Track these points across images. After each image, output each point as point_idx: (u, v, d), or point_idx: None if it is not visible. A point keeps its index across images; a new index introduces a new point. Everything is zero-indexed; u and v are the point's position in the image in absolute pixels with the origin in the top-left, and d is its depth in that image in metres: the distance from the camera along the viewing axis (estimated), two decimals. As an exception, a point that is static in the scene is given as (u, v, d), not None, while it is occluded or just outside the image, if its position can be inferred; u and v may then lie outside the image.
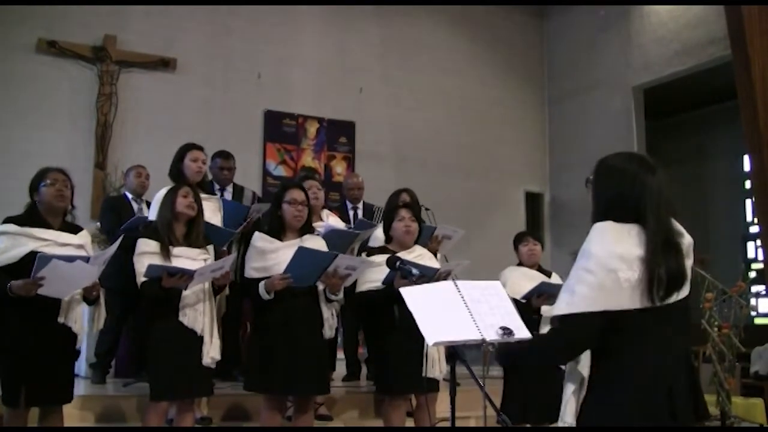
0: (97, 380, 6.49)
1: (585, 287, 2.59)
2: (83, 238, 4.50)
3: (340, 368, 6.94)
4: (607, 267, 2.57)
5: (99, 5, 10.22)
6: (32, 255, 4.12)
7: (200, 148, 5.93)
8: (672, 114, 14.50)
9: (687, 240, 2.68)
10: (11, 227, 4.26)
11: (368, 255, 5.12)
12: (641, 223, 2.63)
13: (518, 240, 5.90)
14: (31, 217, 4.35)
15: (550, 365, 5.14)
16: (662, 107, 13.06)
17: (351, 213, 7.27)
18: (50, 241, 4.29)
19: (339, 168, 11.69)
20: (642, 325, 2.60)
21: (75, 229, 4.52)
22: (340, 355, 6.96)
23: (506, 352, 3.16)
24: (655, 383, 2.58)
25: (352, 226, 6.65)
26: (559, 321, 2.69)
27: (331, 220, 6.14)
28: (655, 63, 11.62)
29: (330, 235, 5.50)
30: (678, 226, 2.68)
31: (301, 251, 4.59)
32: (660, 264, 2.55)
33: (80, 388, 6.23)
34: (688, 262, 2.67)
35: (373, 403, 6.15)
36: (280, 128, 11.40)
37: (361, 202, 7.38)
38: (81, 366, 6.93)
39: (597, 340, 2.65)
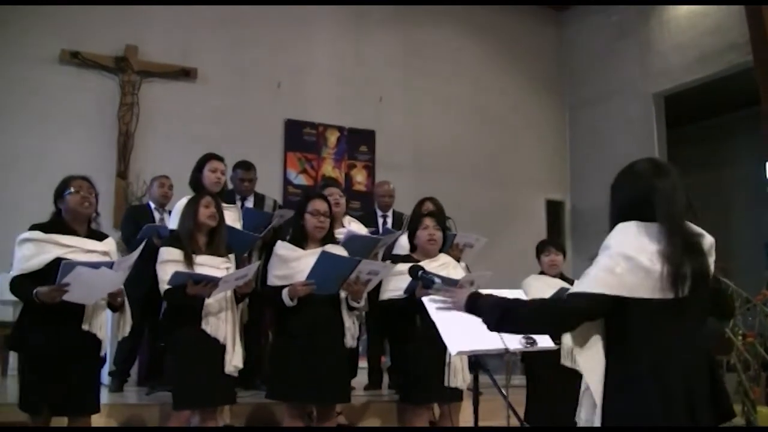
0: (114, 389, 6.49)
1: (602, 272, 2.61)
2: (109, 245, 4.49)
3: (362, 376, 6.92)
4: (626, 255, 2.58)
5: (121, 9, 10.32)
6: (57, 262, 4.12)
7: (220, 159, 5.97)
8: (693, 121, 14.42)
9: (707, 240, 2.69)
10: (37, 234, 4.27)
11: (392, 263, 5.12)
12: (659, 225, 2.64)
13: (540, 249, 5.89)
14: (56, 225, 4.36)
15: (560, 369, 5.19)
16: (683, 114, 12.99)
17: (381, 221, 7.26)
18: (75, 247, 4.29)
19: (359, 177, 11.71)
20: (659, 318, 2.59)
21: (100, 236, 4.51)
22: (363, 363, 6.94)
23: (493, 309, 2.79)
24: (675, 381, 2.57)
25: (381, 233, 6.64)
26: (568, 294, 2.71)
27: (353, 227, 6.13)
28: (675, 70, 11.58)
29: (351, 241, 5.49)
30: (695, 228, 2.68)
31: (325, 256, 4.62)
32: (683, 262, 2.56)
33: (103, 396, 6.26)
34: (711, 260, 2.68)
35: (395, 412, 6.13)
36: (300, 137, 11.44)
37: (391, 210, 7.37)
38: (104, 375, 6.96)
39: (606, 328, 2.66)
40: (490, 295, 2.85)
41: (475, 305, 2.85)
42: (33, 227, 4.33)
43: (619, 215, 2.75)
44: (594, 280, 2.61)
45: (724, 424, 2.74)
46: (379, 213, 7.36)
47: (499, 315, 2.76)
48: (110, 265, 4.20)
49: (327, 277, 4.66)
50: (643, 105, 12.09)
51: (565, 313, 2.70)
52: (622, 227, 2.68)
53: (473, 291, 2.87)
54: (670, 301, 2.57)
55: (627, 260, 2.57)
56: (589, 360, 2.73)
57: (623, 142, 11.91)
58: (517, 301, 2.82)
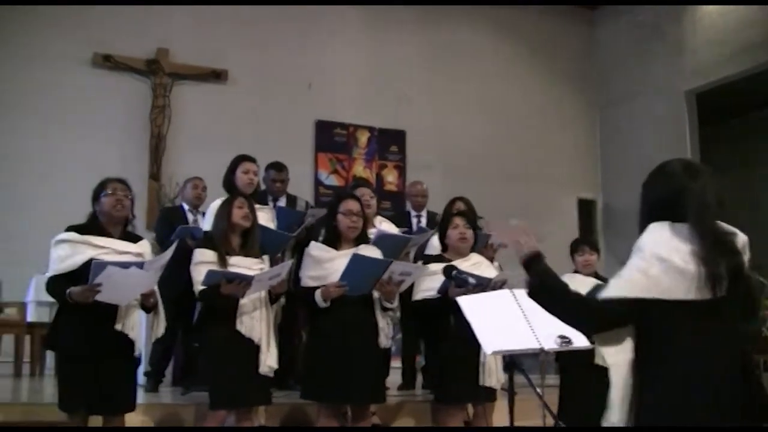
0: (150, 389, 6.53)
1: (636, 273, 2.57)
2: (143, 247, 4.52)
3: (396, 376, 6.91)
4: (660, 256, 2.54)
5: (152, 12, 10.43)
6: (92, 263, 4.15)
7: (252, 160, 6.00)
8: (725, 119, 14.27)
9: (741, 238, 2.65)
10: (72, 235, 4.32)
11: (424, 263, 5.12)
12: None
13: (574, 249, 5.86)
14: (91, 226, 4.41)
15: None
16: (715, 112, 12.86)
17: (414, 220, 7.25)
18: (109, 249, 4.32)
19: (390, 177, 11.71)
20: (695, 319, 2.55)
21: (135, 239, 4.54)
22: (397, 363, 6.93)
23: (539, 275, 2.83)
24: (710, 383, 2.52)
25: (414, 233, 6.63)
26: (603, 300, 2.65)
27: (384, 226, 6.13)
28: (708, 67, 11.46)
29: (381, 240, 5.49)
30: (727, 227, 2.64)
31: (356, 258, 4.62)
32: (718, 261, 2.52)
33: (139, 396, 6.30)
34: (745, 258, 2.64)
35: (429, 412, 6.12)
36: (331, 138, 11.46)
37: (425, 210, 7.36)
38: (139, 375, 7.02)
39: (637, 328, 2.63)
40: (546, 264, 2.85)
41: (530, 263, 2.87)
42: (68, 228, 4.39)
43: (649, 216, 2.72)
44: (628, 284, 2.58)
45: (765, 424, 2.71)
46: (413, 213, 7.36)
47: (539, 283, 2.78)
48: (141, 265, 4.22)
49: (359, 279, 4.66)
50: (674, 103, 11.97)
51: (600, 316, 2.68)
52: (654, 228, 2.65)
53: (537, 250, 2.89)
54: (707, 302, 2.53)
55: (661, 262, 2.54)
56: (614, 356, 2.71)
57: (654, 141, 11.81)
58: (562, 282, 2.80)
